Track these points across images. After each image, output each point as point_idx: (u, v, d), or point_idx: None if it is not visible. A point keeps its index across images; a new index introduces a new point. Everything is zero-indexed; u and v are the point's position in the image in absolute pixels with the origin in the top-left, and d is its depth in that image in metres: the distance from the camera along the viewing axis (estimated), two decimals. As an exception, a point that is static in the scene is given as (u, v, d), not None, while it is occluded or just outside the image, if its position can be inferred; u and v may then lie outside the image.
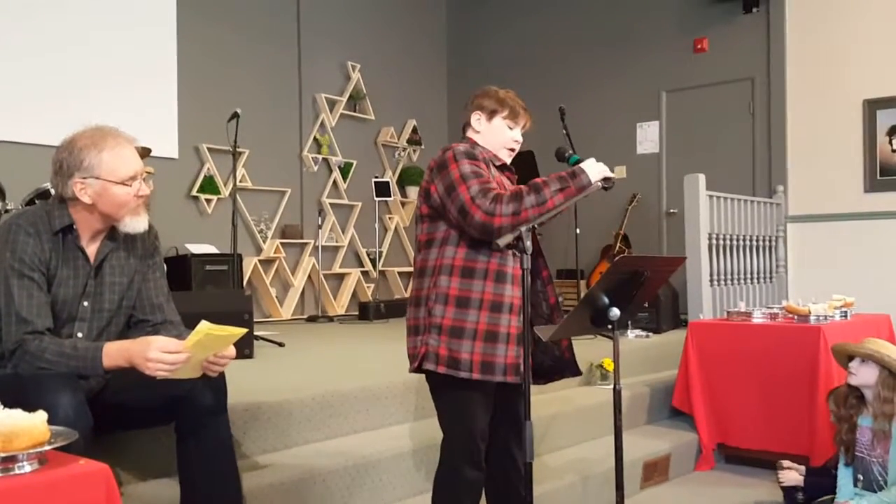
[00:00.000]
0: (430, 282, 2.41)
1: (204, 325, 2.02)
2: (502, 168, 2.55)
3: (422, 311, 2.42)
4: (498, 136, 2.52)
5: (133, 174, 2.23)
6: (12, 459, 1.45)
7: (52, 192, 3.84)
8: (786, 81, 6.52)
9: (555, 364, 2.61)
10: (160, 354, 2.03)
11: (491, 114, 2.51)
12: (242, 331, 2.10)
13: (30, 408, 1.53)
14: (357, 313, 7.07)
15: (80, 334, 2.24)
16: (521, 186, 2.36)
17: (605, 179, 2.38)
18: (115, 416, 2.24)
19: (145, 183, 2.27)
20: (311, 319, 6.98)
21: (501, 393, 2.48)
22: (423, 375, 2.49)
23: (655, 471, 3.92)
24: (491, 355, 2.37)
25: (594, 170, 2.38)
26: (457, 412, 2.44)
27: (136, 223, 2.27)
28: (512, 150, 2.56)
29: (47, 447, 1.50)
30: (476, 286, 2.37)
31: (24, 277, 2.13)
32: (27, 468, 1.46)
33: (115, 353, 2.10)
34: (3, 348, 2.16)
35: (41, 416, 1.51)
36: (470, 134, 2.56)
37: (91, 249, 2.28)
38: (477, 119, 2.53)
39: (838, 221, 6.27)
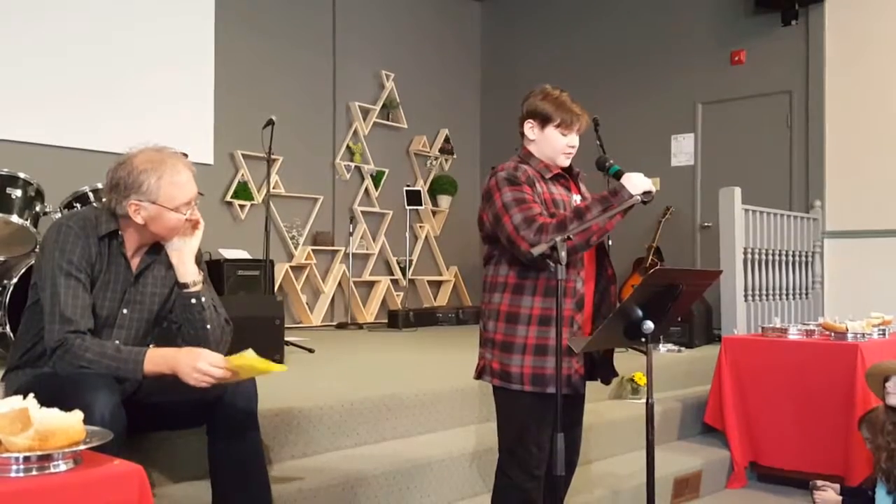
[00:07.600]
0: (487, 297, 2.52)
1: (249, 353, 2.08)
2: (557, 177, 2.54)
3: (482, 325, 2.55)
4: (552, 144, 2.50)
5: (188, 201, 2.25)
6: (48, 458, 1.46)
7: (93, 197, 3.86)
8: (824, 95, 6.42)
9: (595, 365, 2.61)
10: (209, 367, 2.07)
11: (543, 122, 2.50)
12: (283, 367, 2.17)
13: (66, 406, 1.54)
14: (386, 321, 7.09)
15: (116, 341, 2.26)
16: (566, 213, 2.37)
17: (645, 193, 2.36)
18: (147, 418, 2.26)
19: (195, 206, 2.30)
20: (341, 326, 7.00)
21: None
22: (474, 383, 2.62)
23: (686, 487, 3.86)
24: (541, 368, 2.41)
25: (636, 183, 2.36)
26: (510, 422, 2.50)
27: (181, 243, 2.31)
28: (568, 154, 2.54)
29: (82, 447, 1.51)
30: (525, 302, 2.44)
31: (70, 277, 2.16)
32: (62, 467, 1.47)
33: (159, 359, 2.12)
34: (43, 346, 2.19)
35: (77, 415, 1.53)
36: (525, 143, 2.56)
37: (134, 259, 2.31)
38: (530, 128, 2.52)
39: (876, 238, 6.15)
